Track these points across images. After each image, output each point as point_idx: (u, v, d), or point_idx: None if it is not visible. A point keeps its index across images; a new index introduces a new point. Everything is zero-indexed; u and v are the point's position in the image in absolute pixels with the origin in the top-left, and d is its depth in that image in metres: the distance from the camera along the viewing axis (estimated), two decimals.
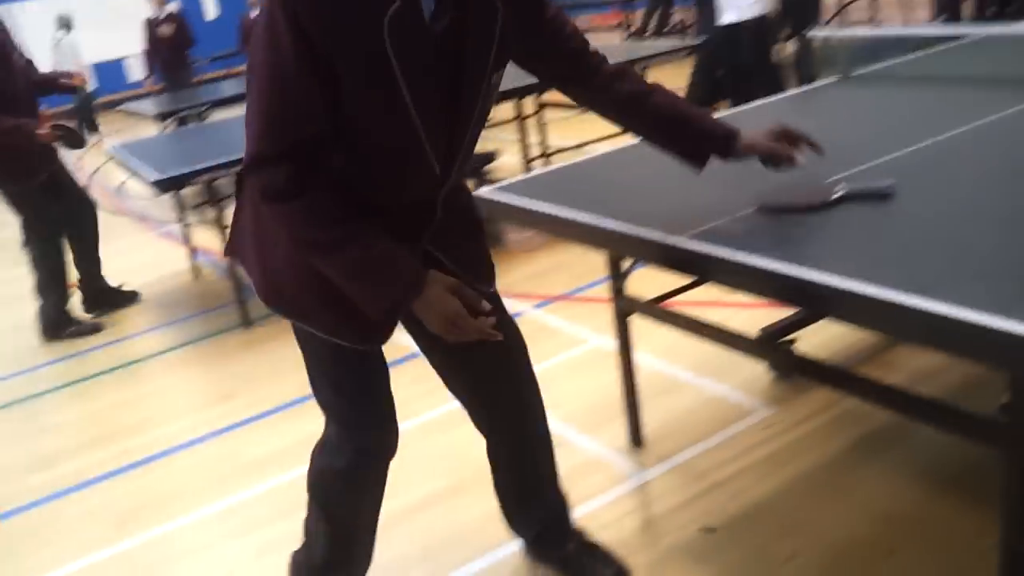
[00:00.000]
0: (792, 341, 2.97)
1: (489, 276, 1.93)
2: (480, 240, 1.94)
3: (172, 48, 8.87)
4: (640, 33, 12.23)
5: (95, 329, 4.68)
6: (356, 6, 1.46)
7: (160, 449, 3.31)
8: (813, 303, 1.72)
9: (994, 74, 3.03)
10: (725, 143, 1.91)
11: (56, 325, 4.65)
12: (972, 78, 3.04)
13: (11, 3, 13.01)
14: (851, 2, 9.19)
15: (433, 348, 1.95)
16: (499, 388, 2.04)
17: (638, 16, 11.81)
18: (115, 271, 5.23)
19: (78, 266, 4.79)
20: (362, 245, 1.55)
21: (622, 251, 2.33)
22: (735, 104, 5.54)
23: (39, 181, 4.37)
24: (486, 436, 2.13)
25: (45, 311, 4.64)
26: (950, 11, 8.36)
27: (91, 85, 11.72)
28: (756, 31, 5.38)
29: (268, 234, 1.75)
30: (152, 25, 8.80)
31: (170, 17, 8.85)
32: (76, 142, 4.34)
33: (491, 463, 2.18)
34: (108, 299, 4.96)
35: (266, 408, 3.47)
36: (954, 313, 1.40)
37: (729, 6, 5.47)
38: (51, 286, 4.57)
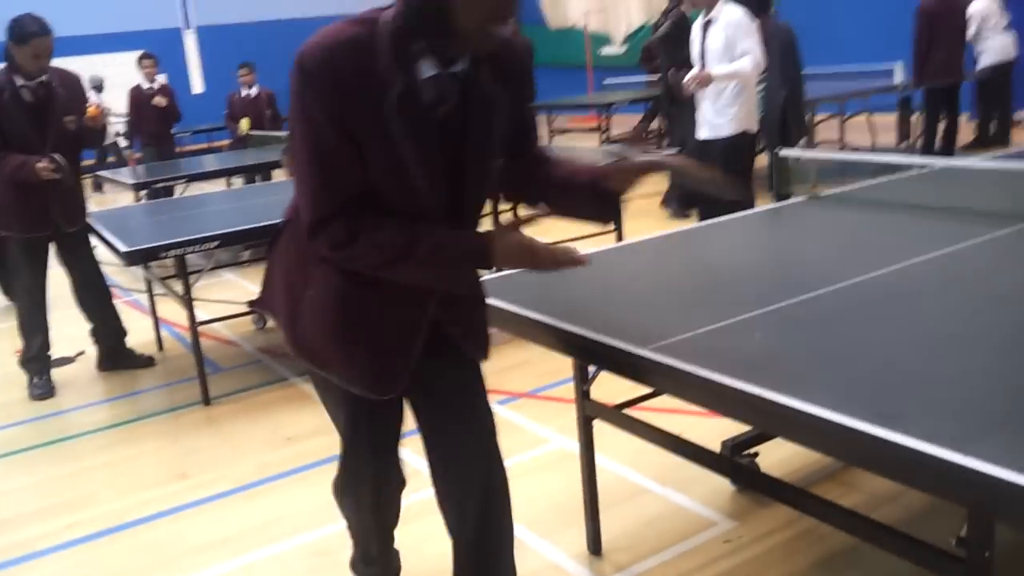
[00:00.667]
0: (755, 454, 3.00)
1: (487, 348, 2.07)
2: (484, 312, 2.07)
3: (160, 119, 8.96)
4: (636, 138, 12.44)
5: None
6: (359, 94, 1.65)
7: (107, 526, 3.22)
8: (771, 425, 1.74)
9: (958, 204, 3.14)
10: (599, 188, 1.97)
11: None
12: (936, 207, 3.15)
13: None
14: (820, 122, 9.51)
15: (423, 410, 2.10)
16: (470, 457, 2.10)
17: (614, 121, 12.12)
18: (79, 336, 5.17)
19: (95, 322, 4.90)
20: (427, 240, 1.76)
21: (583, 358, 2.34)
22: (704, 216, 5.67)
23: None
24: (449, 515, 2.15)
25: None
26: (927, 138, 8.67)
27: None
28: (731, 148, 5.51)
29: (297, 287, 1.93)
30: (141, 94, 8.89)
31: (163, 89, 8.96)
32: (67, 178, 4.37)
33: (453, 551, 2.17)
34: (123, 360, 4.99)
35: (220, 490, 3.40)
36: (911, 445, 1.41)
37: (704, 122, 5.63)
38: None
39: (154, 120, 8.93)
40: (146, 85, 8.88)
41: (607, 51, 17.65)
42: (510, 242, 1.79)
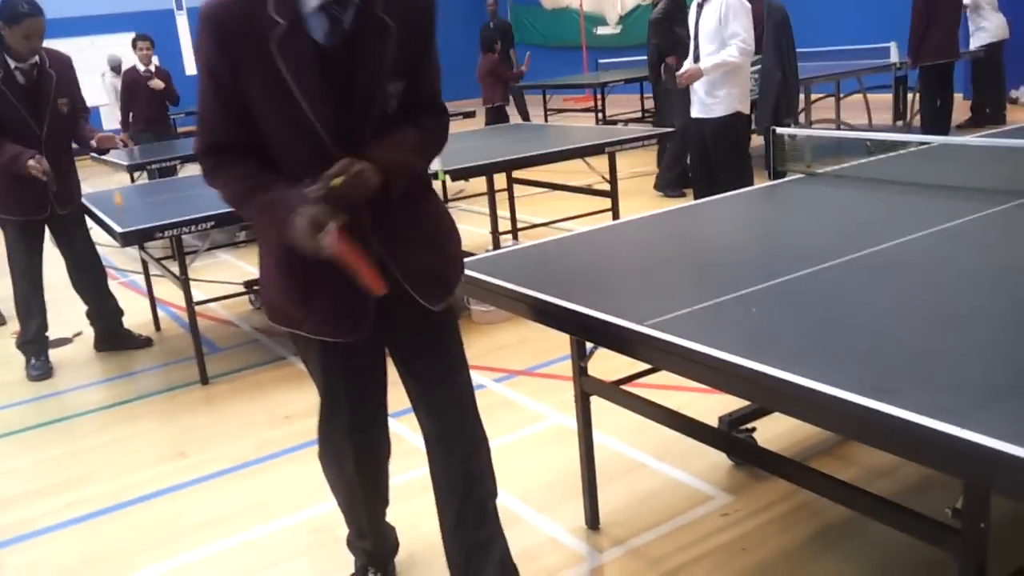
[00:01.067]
0: (752, 429, 3.02)
1: (440, 291, 2.10)
2: (438, 251, 2.12)
3: (156, 102, 8.87)
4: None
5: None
6: (246, 37, 1.79)
7: (107, 504, 3.24)
8: (769, 400, 1.75)
9: (954, 183, 3.14)
10: None
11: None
12: (932, 184, 3.15)
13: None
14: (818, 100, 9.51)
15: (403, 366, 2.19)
16: (443, 400, 2.18)
17: (609, 100, 12.07)
18: (76, 318, 5.17)
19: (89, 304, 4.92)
20: (261, 193, 1.89)
21: (579, 334, 2.35)
22: (700, 194, 5.68)
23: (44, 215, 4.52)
24: (432, 456, 2.23)
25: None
26: (924, 116, 8.68)
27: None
28: (722, 128, 5.55)
29: (262, 256, 2.09)
30: (136, 77, 8.76)
31: (159, 71, 8.86)
32: (51, 181, 4.36)
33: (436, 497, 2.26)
34: (121, 341, 4.99)
35: (218, 468, 3.41)
36: (909, 418, 1.43)
37: (696, 101, 5.65)
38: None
39: (150, 104, 8.83)
40: (142, 68, 8.76)
41: (602, 31, 17.60)
42: (301, 218, 1.78)
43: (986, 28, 9.56)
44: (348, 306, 1.99)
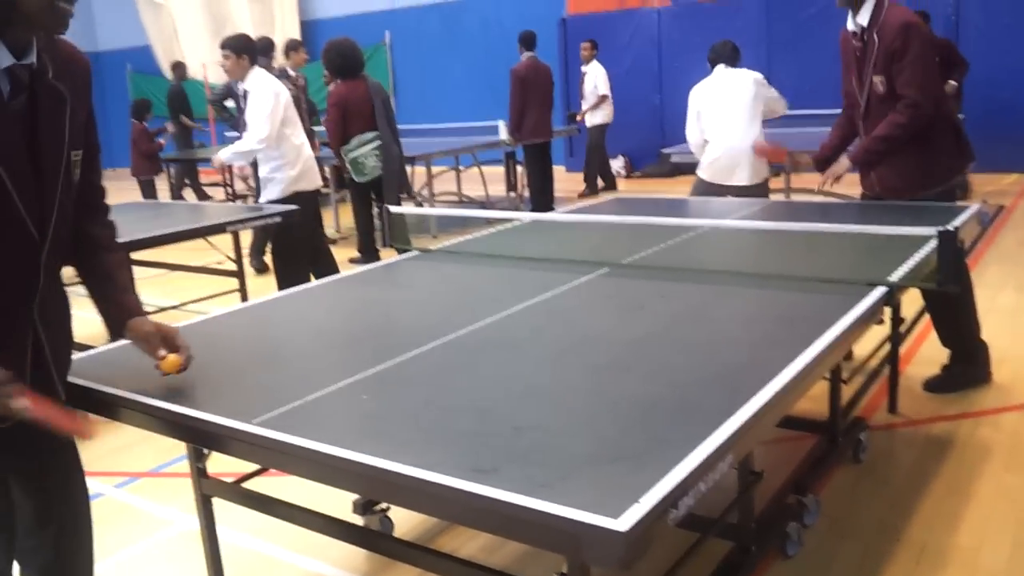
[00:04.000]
0: (386, 508, 3.03)
1: (66, 366, 2.01)
2: (69, 324, 2.01)
3: None
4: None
5: None
6: None
7: None
8: (376, 491, 1.75)
9: (552, 253, 3.43)
10: (120, 321, 2.05)
11: None
12: (533, 257, 3.40)
13: None
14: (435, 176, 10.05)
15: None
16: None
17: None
18: None
19: None
20: None
21: (181, 437, 2.10)
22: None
23: None
24: None
25: None
26: (531, 188, 9.57)
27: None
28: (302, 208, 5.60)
29: None
30: None
31: None
32: None
33: None
34: None
35: None
36: (501, 497, 1.48)
37: (266, 183, 5.70)
38: None
39: None
40: None
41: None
42: None
43: (598, 112, 11.20)
44: None
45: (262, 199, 5.70)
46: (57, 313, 1.93)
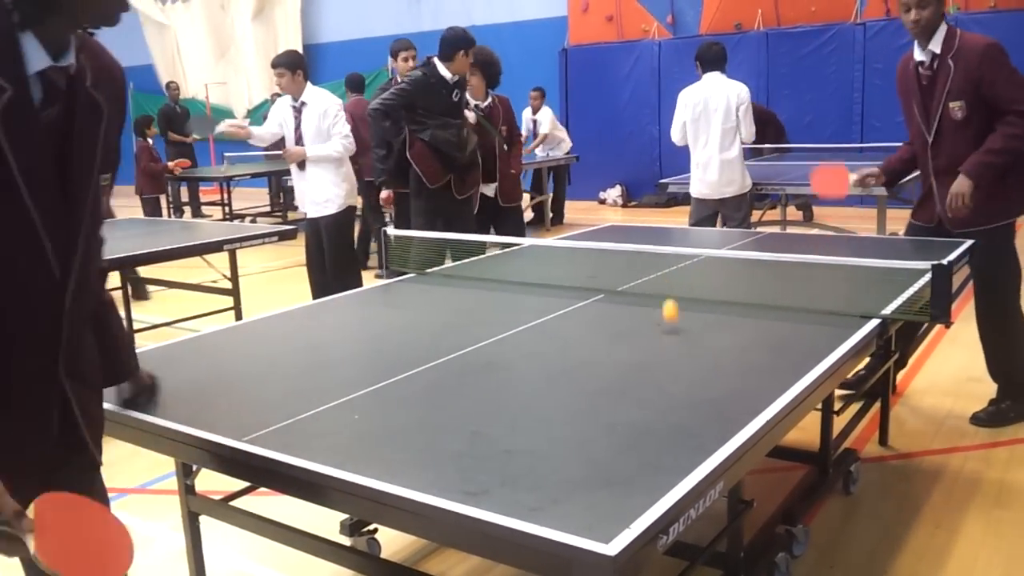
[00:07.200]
0: (374, 530, 3.01)
1: (100, 424, 1.75)
2: (99, 374, 1.74)
3: None
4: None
5: None
6: None
7: None
8: (367, 512, 1.74)
9: (548, 279, 3.44)
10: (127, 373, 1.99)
11: None
12: (530, 282, 3.42)
13: None
14: None
15: None
16: None
17: (237, 193, 11.87)
18: None
19: None
20: None
21: (173, 453, 2.13)
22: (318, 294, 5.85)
23: None
24: None
25: None
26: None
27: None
28: (333, 226, 5.87)
29: None
30: None
31: None
32: None
33: None
34: None
35: None
36: (492, 520, 1.48)
37: (306, 202, 5.91)
38: None
39: None
40: None
41: None
42: None
43: (558, 148, 11.34)
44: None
45: (315, 213, 5.85)
46: (88, 362, 1.67)
